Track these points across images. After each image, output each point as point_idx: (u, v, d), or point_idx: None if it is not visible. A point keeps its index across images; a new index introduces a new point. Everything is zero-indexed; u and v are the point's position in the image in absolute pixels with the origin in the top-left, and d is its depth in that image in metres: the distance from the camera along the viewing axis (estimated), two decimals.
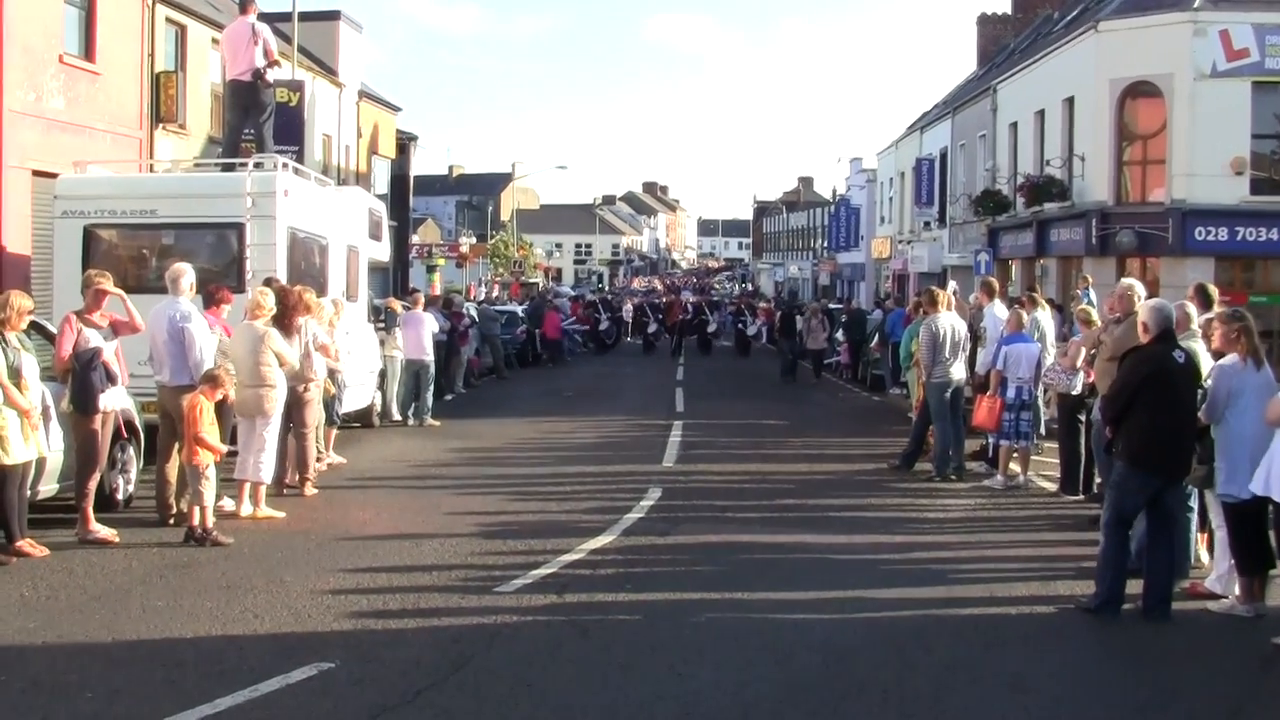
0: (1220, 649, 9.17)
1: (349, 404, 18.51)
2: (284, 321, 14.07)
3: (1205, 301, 12.17)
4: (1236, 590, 9.95)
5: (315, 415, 15.08)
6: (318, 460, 15.38)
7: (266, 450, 13.21)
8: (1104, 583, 9.86)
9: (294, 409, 14.41)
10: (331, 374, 15.93)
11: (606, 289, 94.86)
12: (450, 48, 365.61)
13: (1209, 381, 10.06)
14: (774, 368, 35.99)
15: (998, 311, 17.36)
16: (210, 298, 13.77)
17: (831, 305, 41.95)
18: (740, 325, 47.97)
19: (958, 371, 16.69)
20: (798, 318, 35.89)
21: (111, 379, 11.81)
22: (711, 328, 48.36)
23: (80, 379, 11.64)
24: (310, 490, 14.61)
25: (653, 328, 49.12)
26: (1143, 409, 9.81)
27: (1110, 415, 10.26)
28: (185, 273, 13.02)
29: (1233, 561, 9.97)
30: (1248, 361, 9.79)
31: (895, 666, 8.40)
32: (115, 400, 12.02)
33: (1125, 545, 9.97)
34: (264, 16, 19.65)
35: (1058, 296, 29.37)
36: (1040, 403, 17.25)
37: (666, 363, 41.45)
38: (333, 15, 40.92)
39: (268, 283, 14.59)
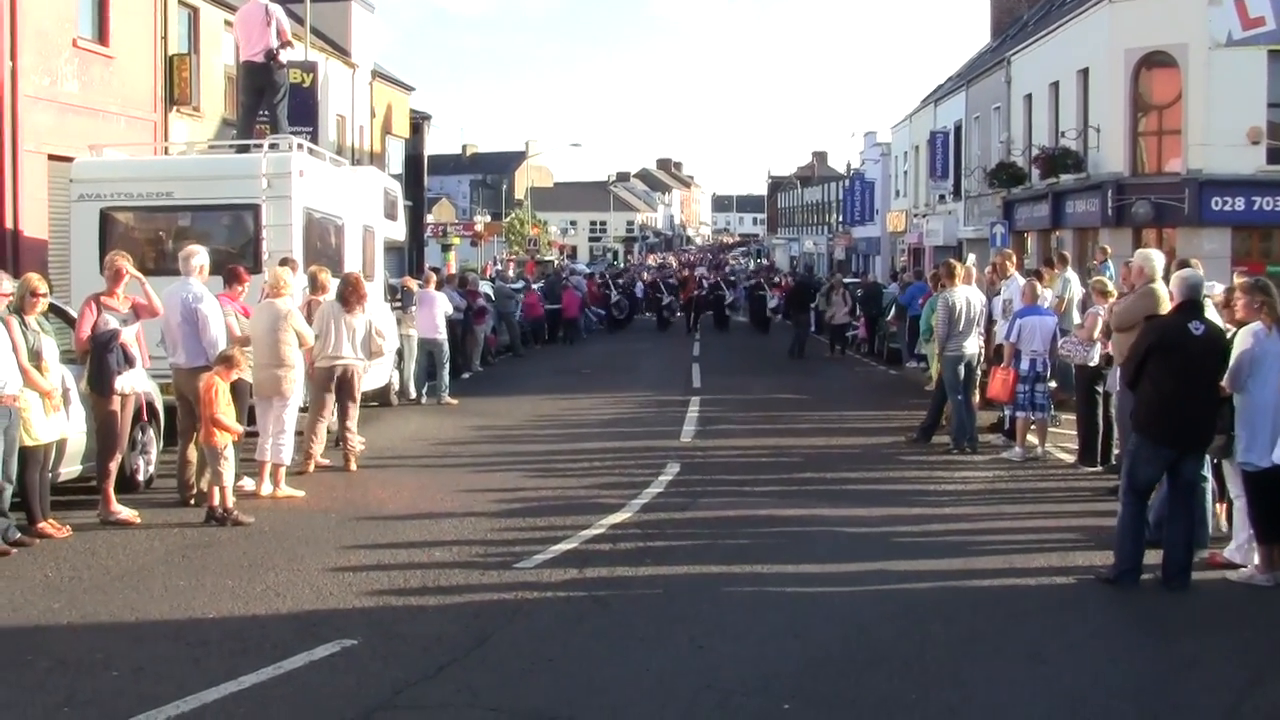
0: (1240, 618, 9.17)
1: (367, 383, 18.55)
2: (350, 304, 15.01)
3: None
4: (1256, 560, 9.95)
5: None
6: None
7: (286, 431, 13.30)
8: (1121, 552, 9.88)
9: (347, 385, 15.08)
10: None
11: (621, 264, 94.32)
12: (461, 26, 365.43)
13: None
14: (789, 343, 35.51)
15: (1021, 283, 17.30)
16: (229, 277, 13.86)
17: (847, 279, 41.60)
18: (760, 296, 46.99)
19: (971, 345, 16.67)
20: (818, 295, 35.57)
21: (129, 361, 11.87)
22: (728, 300, 47.67)
23: (97, 360, 11.71)
24: (354, 465, 14.98)
25: (667, 301, 48.14)
26: (1149, 379, 9.86)
27: (1125, 383, 10.33)
28: (197, 253, 13.08)
29: (1252, 531, 9.97)
30: (1272, 330, 9.76)
31: (914, 638, 8.43)
32: (133, 382, 12.07)
33: (1141, 515, 9.97)
34: None
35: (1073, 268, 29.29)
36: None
37: (682, 339, 41.02)
38: None
39: (282, 263, 14.66)
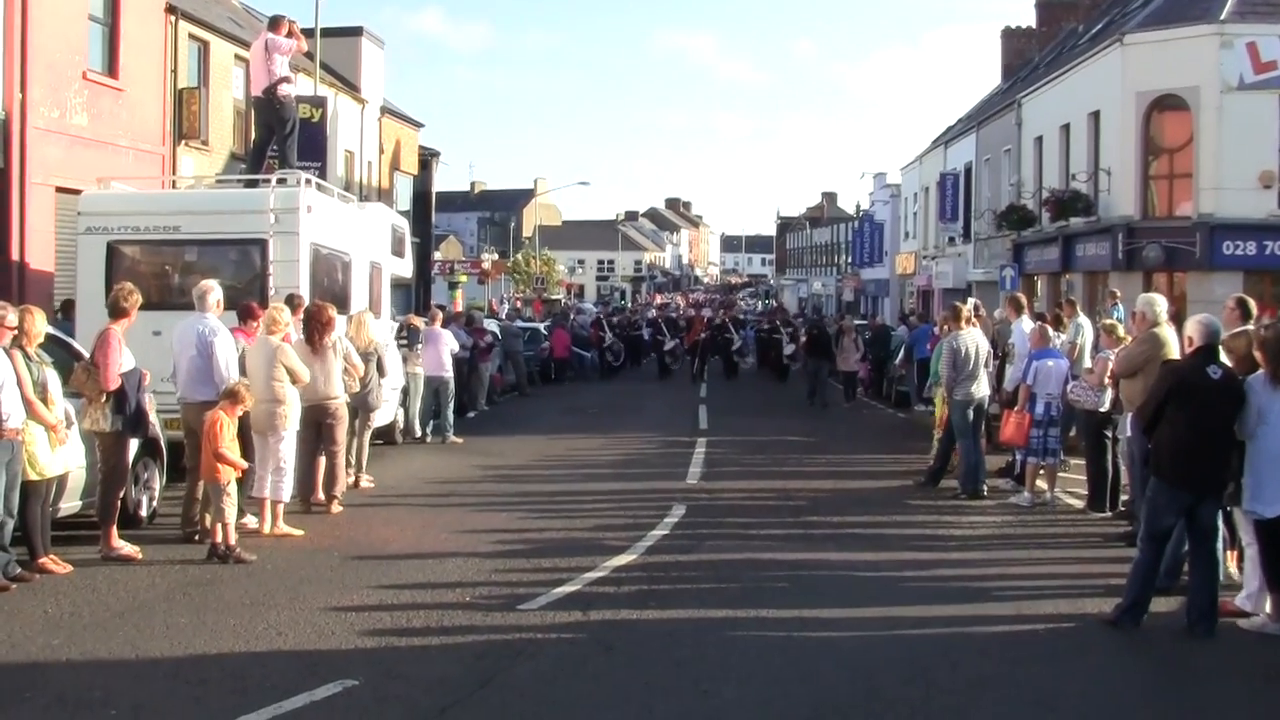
0: (1251, 667, 9.06)
1: (377, 420, 18.48)
2: (314, 339, 14.24)
3: (1245, 314, 11.84)
4: (1267, 608, 9.84)
5: (346, 433, 15.11)
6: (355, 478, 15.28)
7: (283, 467, 13.20)
8: (1128, 593, 9.83)
9: (325, 426, 14.50)
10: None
11: (628, 304, 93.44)
12: (466, 64, 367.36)
13: None
14: (804, 390, 33.15)
15: (1025, 327, 17.24)
16: (243, 314, 13.83)
17: (856, 322, 40.61)
18: (776, 340, 42.75)
19: (980, 389, 16.58)
20: (841, 337, 33.83)
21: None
22: (736, 344, 44.21)
23: (136, 401, 11.75)
24: (337, 508, 14.59)
25: (669, 345, 44.48)
26: (1167, 422, 9.82)
27: (1141, 428, 10.28)
28: (212, 289, 13.07)
29: (1263, 578, 9.87)
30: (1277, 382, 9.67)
31: (922, 684, 8.33)
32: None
33: (1157, 561, 9.92)
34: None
35: (1083, 312, 29.18)
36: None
37: (688, 384, 39.27)
38: (355, 31, 41.10)
39: (288, 299, 14.61)
